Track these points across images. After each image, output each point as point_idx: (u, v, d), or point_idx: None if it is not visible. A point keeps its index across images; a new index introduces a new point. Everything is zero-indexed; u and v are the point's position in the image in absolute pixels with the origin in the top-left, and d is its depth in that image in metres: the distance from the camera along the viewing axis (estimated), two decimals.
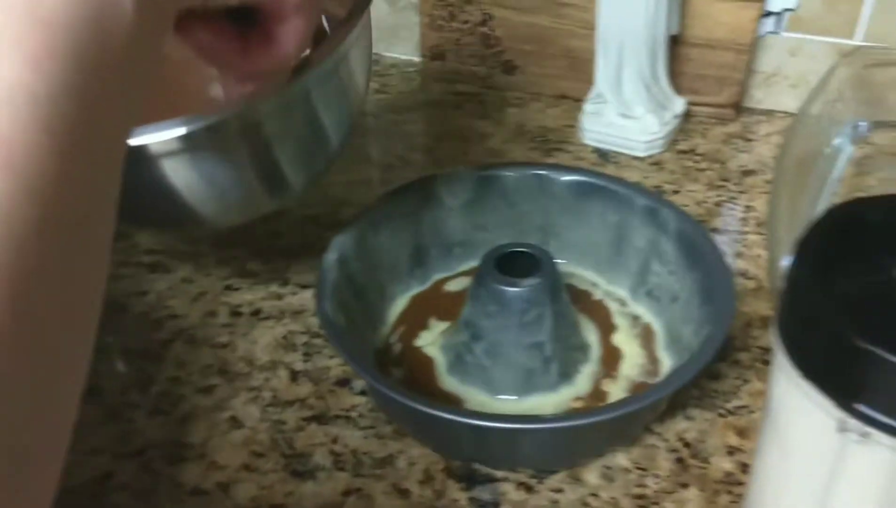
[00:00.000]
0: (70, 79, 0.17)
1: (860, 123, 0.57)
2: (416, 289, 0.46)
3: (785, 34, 0.59)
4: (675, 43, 0.59)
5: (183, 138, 0.32)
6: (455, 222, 0.47)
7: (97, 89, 0.18)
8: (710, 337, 0.36)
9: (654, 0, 0.54)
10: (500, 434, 0.34)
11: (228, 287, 0.48)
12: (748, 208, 0.54)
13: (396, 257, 0.45)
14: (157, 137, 0.32)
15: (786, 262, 0.41)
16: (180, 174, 0.34)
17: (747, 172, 0.56)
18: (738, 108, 0.62)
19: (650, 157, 0.58)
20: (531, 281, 0.38)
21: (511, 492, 0.36)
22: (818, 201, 0.50)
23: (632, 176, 0.56)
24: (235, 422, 0.40)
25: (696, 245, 0.41)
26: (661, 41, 0.56)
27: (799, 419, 0.24)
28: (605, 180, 0.45)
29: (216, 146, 0.34)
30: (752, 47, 0.59)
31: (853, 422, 0.21)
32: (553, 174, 0.46)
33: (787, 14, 0.58)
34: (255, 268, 0.49)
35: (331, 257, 0.40)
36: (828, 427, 0.22)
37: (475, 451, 0.36)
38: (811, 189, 0.51)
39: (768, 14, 0.58)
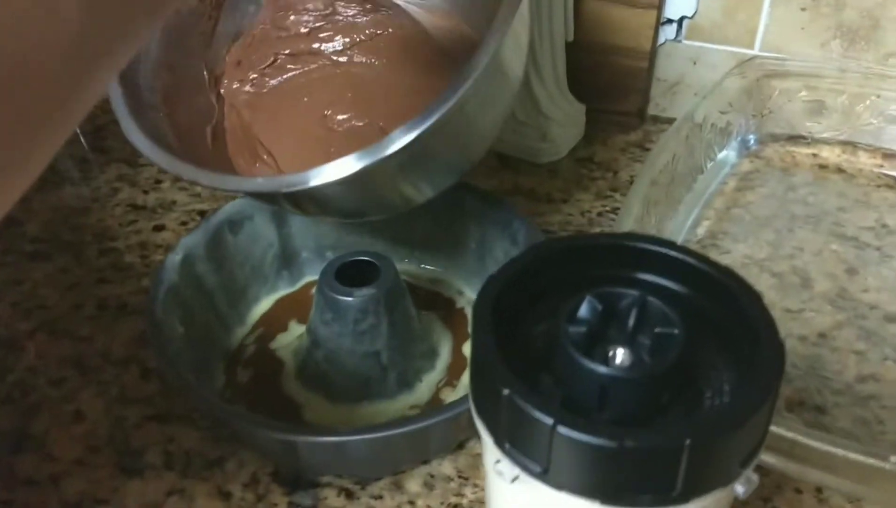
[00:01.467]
0: None
1: (750, 136, 0.58)
2: (283, 291, 0.47)
3: (686, 42, 0.59)
4: (578, 50, 0.59)
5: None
6: (326, 225, 0.47)
7: None
8: None
9: (548, 7, 0.54)
10: (300, 447, 0.35)
11: (102, 280, 0.49)
12: None
13: (260, 258, 0.46)
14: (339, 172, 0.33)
15: None
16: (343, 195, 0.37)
17: None
18: (643, 116, 0.62)
19: (549, 164, 0.59)
20: (365, 291, 0.39)
21: (331, 498, 0.37)
22: (690, 217, 0.51)
23: (526, 183, 0.57)
24: (79, 416, 0.41)
25: None
26: (558, 48, 0.56)
27: (486, 453, 0.25)
28: (469, 192, 0.46)
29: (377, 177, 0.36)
30: (653, 55, 0.59)
31: (504, 462, 0.22)
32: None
33: (686, 22, 0.58)
34: (132, 261, 0.50)
35: (174, 257, 0.41)
36: (492, 464, 0.23)
37: (289, 460, 0.37)
38: (685, 204, 0.51)
39: (668, 22, 0.58)
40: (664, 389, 0.23)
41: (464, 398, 0.35)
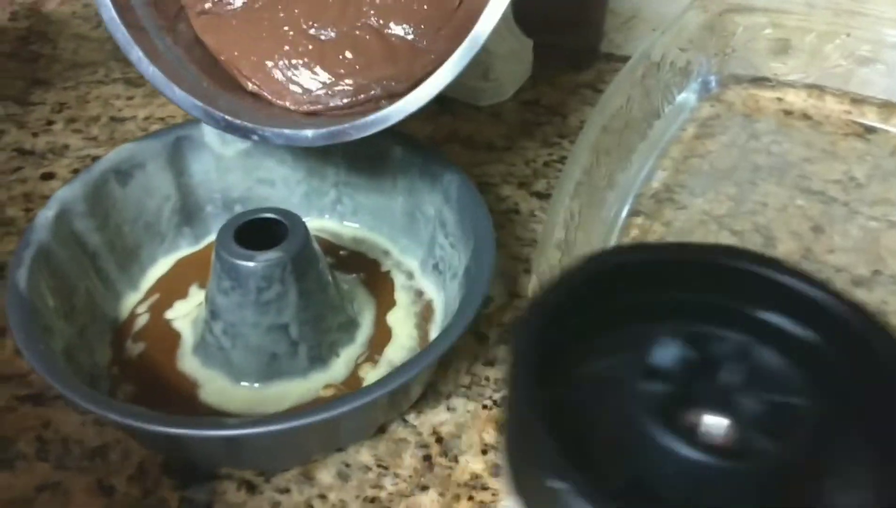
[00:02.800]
0: None
1: (711, 77, 0.53)
2: (185, 250, 0.41)
3: None
4: None
5: None
6: (233, 176, 0.42)
7: None
8: (448, 329, 0.32)
9: None
10: (185, 442, 0.30)
11: None
12: None
13: (155, 212, 0.40)
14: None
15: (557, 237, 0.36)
16: None
17: None
18: (596, 53, 0.57)
19: (491, 106, 0.53)
20: (269, 255, 0.33)
21: (230, 492, 0.33)
22: (644, 168, 0.46)
23: (465, 128, 0.51)
24: None
25: (474, 217, 0.36)
26: None
27: None
28: (395, 138, 0.40)
29: None
30: None
31: None
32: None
33: None
34: (14, 215, 0.44)
35: (46, 214, 0.35)
36: None
37: (178, 454, 0.32)
38: (639, 153, 0.46)
39: None
40: (781, 489, 0.15)
41: (383, 380, 0.31)
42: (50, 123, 0.50)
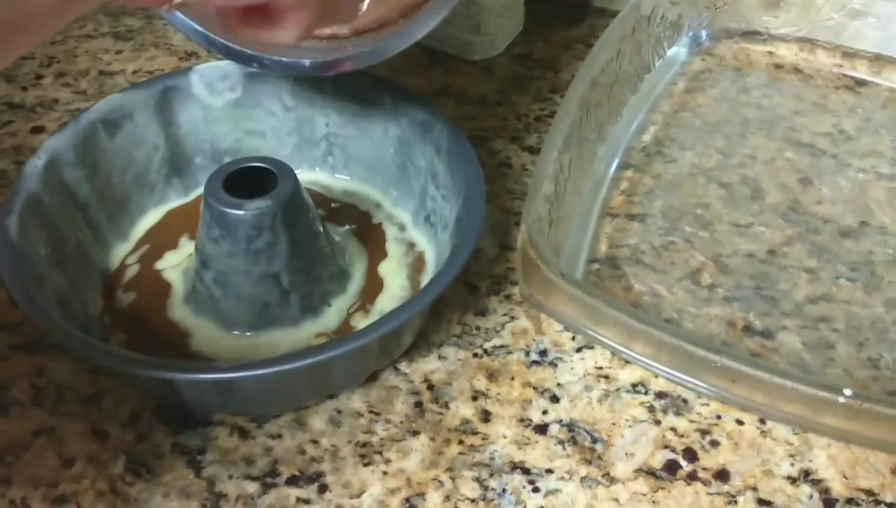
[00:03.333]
0: None
1: (702, 31, 0.53)
2: (175, 202, 0.41)
3: None
4: None
5: None
6: (222, 127, 0.42)
7: None
8: (438, 277, 0.32)
9: None
10: (178, 385, 0.30)
11: None
12: None
13: (144, 163, 0.40)
14: None
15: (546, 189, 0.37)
16: None
17: None
18: (588, 8, 0.56)
19: (483, 61, 0.53)
20: (258, 204, 0.33)
21: (223, 437, 0.33)
22: (635, 122, 0.46)
23: (457, 82, 0.51)
24: None
25: (465, 167, 0.37)
26: None
27: None
28: (387, 88, 0.40)
29: None
30: None
31: None
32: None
33: None
34: (5, 168, 0.44)
35: (36, 162, 0.35)
36: None
37: (171, 399, 0.33)
38: (630, 106, 0.46)
39: None
40: None
41: (373, 325, 0.31)
42: (39, 77, 0.50)
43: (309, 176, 0.43)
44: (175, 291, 0.37)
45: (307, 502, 0.31)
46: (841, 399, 0.28)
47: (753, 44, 0.52)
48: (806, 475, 0.32)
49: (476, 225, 0.33)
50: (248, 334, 0.35)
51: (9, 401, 0.34)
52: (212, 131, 0.41)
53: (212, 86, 0.40)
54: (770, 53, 0.51)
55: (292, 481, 0.32)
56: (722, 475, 0.32)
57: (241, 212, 0.33)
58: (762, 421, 0.34)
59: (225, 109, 0.41)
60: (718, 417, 0.34)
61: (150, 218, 0.40)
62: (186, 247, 0.39)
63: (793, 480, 0.32)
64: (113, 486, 0.31)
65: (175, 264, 0.38)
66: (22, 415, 0.33)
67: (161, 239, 0.39)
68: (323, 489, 0.32)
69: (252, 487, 0.32)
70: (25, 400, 0.34)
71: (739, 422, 0.34)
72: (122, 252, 0.39)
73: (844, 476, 0.32)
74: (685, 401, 0.35)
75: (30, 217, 0.33)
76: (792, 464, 0.33)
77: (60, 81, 0.50)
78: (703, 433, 0.34)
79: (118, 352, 0.30)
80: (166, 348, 0.35)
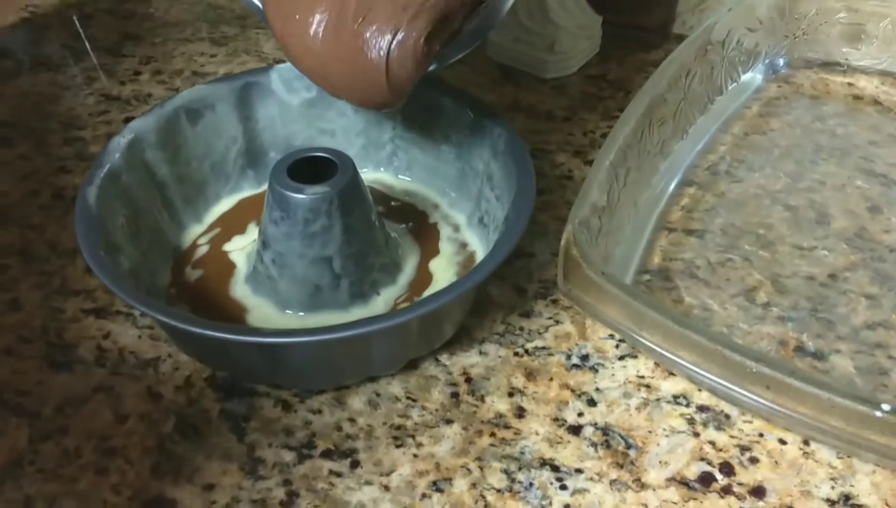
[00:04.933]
0: None
1: (779, 59, 0.52)
2: (248, 192, 0.44)
3: None
4: None
5: None
6: (296, 125, 0.44)
7: None
8: (480, 265, 0.33)
9: None
10: (227, 346, 0.32)
11: (62, 169, 0.46)
12: None
13: (222, 153, 0.42)
14: None
15: (595, 196, 0.37)
16: None
17: None
18: (667, 34, 0.57)
19: (556, 79, 0.54)
20: (317, 189, 0.35)
21: (267, 408, 0.34)
22: (702, 141, 0.46)
23: (528, 98, 0.52)
24: (14, 305, 0.39)
25: (519, 170, 0.37)
26: None
27: None
28: (448, 94, 0.41)
29: None
30: None
31: None
32: None
33: None
34: (97, 152, 0.47)
35: (121, 139, 0.38)
36: None
37: (220, 364, 0.34)
38: (698, 126, 0.46)
39: None
40: None
41: (410, 308, 0.32)
42: (137, 73, 0.54)
43: (374, 176, 0.44)
44: (238, 271, 0.39)
45: (339, 475, 0.32)
46: (879, 414, 0.27)
47: (832, 74, 0.51)
48: (846, 499, 0.31)
49: (523, 219, 0.34)
50: (301, 314, 0.37)
51: (74, 359, 0.36)
52: (287, 128, 0.44)
53: (289, 84, 0.43)
54: (849, 84, 0.51)
55: (327, 454, 0.33)
56: (758, 491, 0.32)
57: (300, 196, 0.35)
58: (806, 443, 0.33)
59: (300, 107, 0.43)
60: (761, 435, 0.33)
61: (224, 204, 0.43)
62: (253, 232, 0.41)
63: (832, 503, 0.31)
64: (161, 443, 0.33)
65: (241, 247, 0.40)
66: (85, 372, 0.36)
67: (231, 224, 0.42)
68: (355, 464, 0.32)
69: (289, 456, 0.33)
70: (90, 359, 0.36)
71: (782, 441, 0.33)
72: (194, 233, 0.41)
73: (887, 505, 0.31)
74: (727, 416, 0.34)
75: (109, 188, 0.36)
76: (832, 487, 0.32)
77: (156, 78, 0.53)
78: (744, 449, 0.33)
79: (177, 312, 0.32)
80: (225, 321, 0.37)
